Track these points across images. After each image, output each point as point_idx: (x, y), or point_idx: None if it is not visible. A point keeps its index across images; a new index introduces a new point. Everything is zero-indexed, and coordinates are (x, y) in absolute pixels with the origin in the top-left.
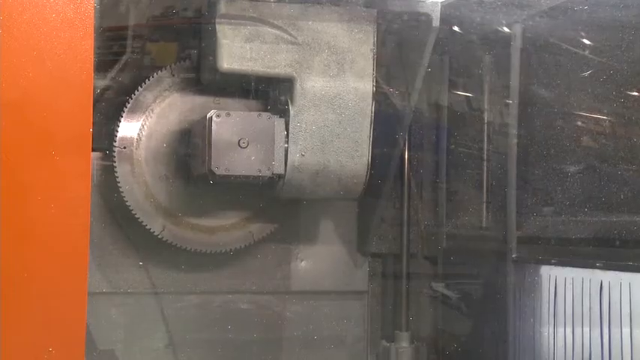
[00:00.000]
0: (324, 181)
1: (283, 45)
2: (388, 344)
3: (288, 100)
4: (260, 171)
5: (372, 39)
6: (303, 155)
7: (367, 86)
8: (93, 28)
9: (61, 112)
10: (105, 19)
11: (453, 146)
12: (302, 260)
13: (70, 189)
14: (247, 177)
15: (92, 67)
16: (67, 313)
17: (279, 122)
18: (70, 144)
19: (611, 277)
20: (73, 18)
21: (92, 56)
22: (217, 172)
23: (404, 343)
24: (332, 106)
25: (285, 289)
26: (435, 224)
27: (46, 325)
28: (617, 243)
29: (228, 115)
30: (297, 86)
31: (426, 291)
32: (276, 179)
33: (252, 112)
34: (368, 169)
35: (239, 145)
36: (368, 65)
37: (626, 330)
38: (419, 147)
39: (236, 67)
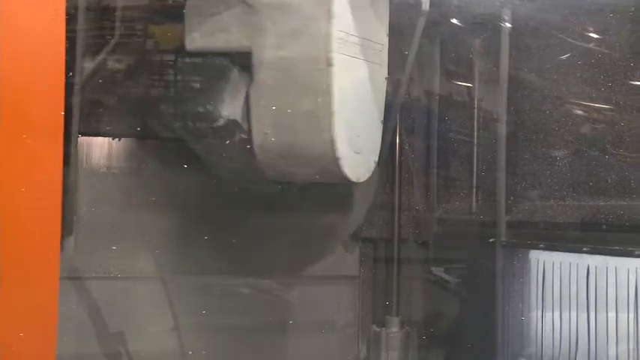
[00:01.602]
0: (298, 162)
1: (241, 15)
2: (379, 329)
3: (248, 75)
4: None
5: None
6: (267, 134)
7: (321, 51)
8: (64, 10)
9: (33, 95)
10: None
11: (443, 131)
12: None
13: (42, 172)
14: None
15: (64, 50)
16: (39, 298)
17: None
18: (42, 127)
19: (598, 262)
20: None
21: (64, 38)
22: None
23: (394, 328)
24: (289, 78)
25: (275, 274)
26: (427, 209)
27: (16, 311)
28: (604, 227)
29: None
30: (254, 59)
31: (418, 275)
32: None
33: None
34: (334, 145)
35: None
36: (325, 27)
37: (611, 315)
38: (409, 132)
39: (200, 45)
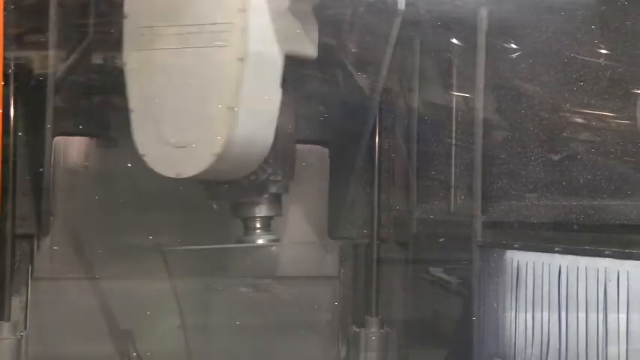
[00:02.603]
0: None
1: None
2: (358, 329)
3: None
4: None
5: None
6: None
7: None
8: (3, 6)
9: None
10: None
11: (423, 132)
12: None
13: None
14: None
15: (2, 44)
16: None
17: None
18: None
19: (569, 262)
20: None
21: (1, 31)
22: None
23: (373, 329)
24: None
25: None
26: (407, 209)
27: None
28: (575, 227)
29: None
30: None
31: (399, 275)
32: None
33: None
34: (135, 144)
35: None
36: None
37: (582, 315)
38: (389, 132)
39: None
